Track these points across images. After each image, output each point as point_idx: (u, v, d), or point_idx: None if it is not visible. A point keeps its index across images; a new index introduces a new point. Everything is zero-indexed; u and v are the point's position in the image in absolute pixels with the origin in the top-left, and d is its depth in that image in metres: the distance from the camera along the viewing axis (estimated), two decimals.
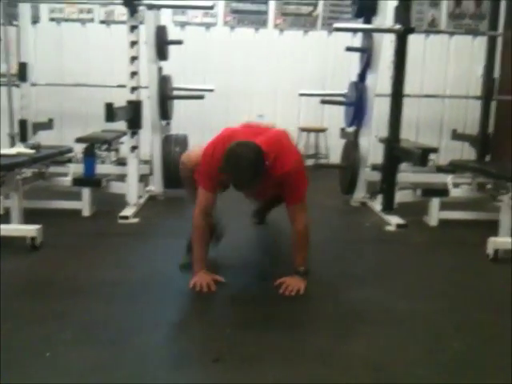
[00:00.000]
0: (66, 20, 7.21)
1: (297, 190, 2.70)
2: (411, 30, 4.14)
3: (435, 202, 4.20)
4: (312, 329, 2.33)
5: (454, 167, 4.70)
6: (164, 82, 4.91)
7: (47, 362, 1.95)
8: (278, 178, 2.61)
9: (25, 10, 4.86)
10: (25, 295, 2.60)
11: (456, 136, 6.15)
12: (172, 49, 5.15)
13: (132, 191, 4.37)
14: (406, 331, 2.32)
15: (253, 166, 2.45)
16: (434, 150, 5.07)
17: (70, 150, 4.53)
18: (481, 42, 6.04)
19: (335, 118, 6.17)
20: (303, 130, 7.11)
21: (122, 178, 4.63)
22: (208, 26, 7.31)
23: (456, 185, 4.57)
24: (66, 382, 1.83)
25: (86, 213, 4.20)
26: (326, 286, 2.83)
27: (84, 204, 4.20)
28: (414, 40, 4.54)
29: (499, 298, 2.68)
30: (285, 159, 2.62)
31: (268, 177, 2.54)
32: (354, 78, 5.09)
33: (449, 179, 4.43)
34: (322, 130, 7.12)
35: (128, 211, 4.15)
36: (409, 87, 4.56)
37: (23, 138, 4.67)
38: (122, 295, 2.63)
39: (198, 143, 5.32)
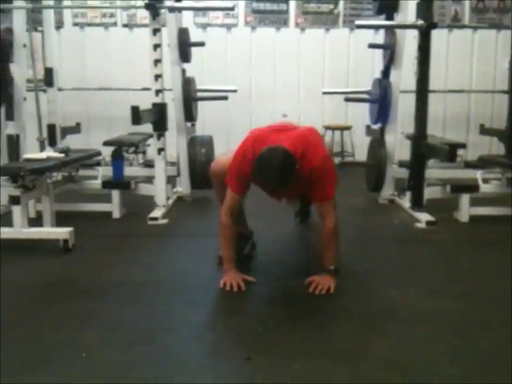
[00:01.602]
0: (89, 24, 7.29)
1: (324, 186, 2.68)
2: (434, 26, 4.11)
3: (465, 198, 4.15)
4: (340, 327, 2.32)
5: (482, 162, 4.65)
6: (187, 83, 4.94)
7: (76, 363, 1.97)
8: (306, 174, 2.59)
9: (49, 15, 4.93)
10: (55, 296, 2.63)
11: (484, 131, 6.06)
12: (194, 50, 5.18)
13: (160, 193, 4.40)
14: (432, 330, 2.29)
15: (283, 171, 2.46)
16: (462, 146, 5.02)
17: (98, 153, 4.59)
18: (505, 36, 5.96)
19: (360, 115, 6.13)
20: (328, 128, 7.08)
21: (149, 179, 4.68)
22: (229, 26, 7.33)
23: (486, 180, 4.51)
24: (94, 381, 1.85)
25: (116, 215, 4.25)
26: (355, 285, 2.82)
27: (114, 206, 4.25)
28: (437, 35, 4.51)
29: None
30: (311, 155, 2.62)
31: (297, 175, 2.54)
32: (378, 74, 5.07)
33: (478, 175, 4.37)
34: (347, 128, 7.09)
35: (157, 212, 4.19)
36: (434, 83, 4.52)
37: (52, 143, 4.73)
38: (152, 295, 2.65)
39: (223, 148, 5.39)
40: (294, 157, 2.52)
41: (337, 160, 6.45)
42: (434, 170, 4.92)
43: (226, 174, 2.76)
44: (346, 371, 1.93)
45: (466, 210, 4.15)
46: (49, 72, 4.95)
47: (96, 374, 1.89)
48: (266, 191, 2.60)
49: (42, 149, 4.67)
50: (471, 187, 4.28)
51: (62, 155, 3.90)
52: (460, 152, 4.90)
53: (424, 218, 4.06)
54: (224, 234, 2.77)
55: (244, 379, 1.92)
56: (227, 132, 7.22)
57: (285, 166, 2.47)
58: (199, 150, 4.87)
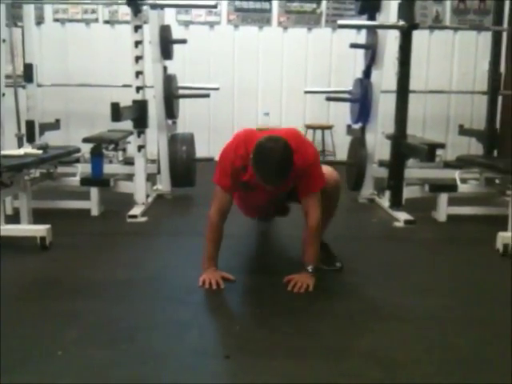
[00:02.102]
0: (70, 20, 7.25)
1: (315, 180, 2.68)
2: (415, 26, 4.14)
3: (443, 198, 4.19)
4: (321, 325, 2.32)
5: (461, 162, 4.69)
6: (169, 81, 4.92)
7: (57, 361, 1.95)
8: (299, 170, 2.56)
9: (29, 10, 4.86)
10: (34, 295, 2.60)
11: (463, 131, 6.14)
12: (176, 48, 5.16)
13: (140, 190, 4.38)
14: (414, 327, 2.31)
15: (285, 162, 2.45)
16: (441, 146, 5.07)
17: (77, 150, 4.54)
18: (485, 37, 6.02)
19: (341, 114, 6.17)
20: (309, 127, 7.11)
21: (129, 177, 4.65)
22: (212, 24, 7.33)
23: (464, 180, 4.56)
24: (76, 381, 1.84)
25: (95, 212, 4.21)
26: (335, 283, 2.83)
27: (92, 204, 4.21)
28: (418, 36, 4.55)
29: (508, 294, 2.66)
30: (306, 151, 2.62)
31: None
32: (359, 74, 5.09)
33: (456, 174, 4.41)
34: (328, 127, 7.12)
35: (136, 210, 4.16)
36: (414, 83, 4.56)
37: (30, 139, 4.67)
38: (132, 294, 2.63)
39: (204, 146, 5.32)
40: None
41: None
42: (414, 170, 4.96)
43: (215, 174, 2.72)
44: (328, 369, 1.94)
45: (443, 209, 4.19)
46: (28, 68, 4.89)
47: (76, 373, 1.88)
48: (265, 183, 2.56)
49: (20, 145, 4.61)
50: (449, 187, 4.32)
51: (41, 152, 3.86)
52: (439, 152, 4.95)
53: (403, 217, 4.09)
54: (211, 234, 2.74)
55: (225, 378, 1.92)
56: (209, 130, 7.23)
57: (287, 155, 2.45)
58: (180, 148, 4.85)
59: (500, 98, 5.60)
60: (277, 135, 2.57)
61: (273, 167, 2.44)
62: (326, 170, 2.82)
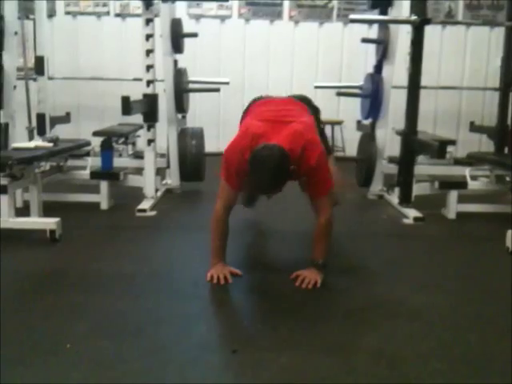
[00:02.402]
0: (82, 13, 7.26)
1: (321, 182, 2.67)
2: (428, 21, 4.11)
3: (453, 195, 4.17)
4: (328, 321, 2.32)
5: (472, 159, 4.66)
6: (179, 75, 4.91)
7: (66, 354, 1.97)
8: (303, 172, 2.59)
9: (41, 3, 4.86)
10: (43, 288, 2.62)
11: (474, 128, 6.09)
12: (187, 42, 5.15)
13: (149, 184, 4.39)
14: (421, 324, 2.31)
15: (277, 172, 2.44)
16: (452, 143, 5.03)
17: (87, 144, 4.56)
18: (498, 33, 5.97)
19: (351, 110, 6.14)
20: None
21: (139, 171, 4.66)
22: (223, 18, 7.31)
23: (474, 177, 4.53)
24: (84, 374, 1.85)
25: (104, 206, 4.23)
26: (342, 280, 2.83)
27: (102, 197, 4.23)
28: (430, 31, 4.52)
29: None
30: (310, 153, 2.59)
31: (294, 174, 2.53)
32: (370, 69, 5.06)
33: (467, 172, 4.38)
34: (338, 123, 7.10)
35: (145, 204, 4.18)
36: (426, 79, 4.52)
37: (41, 132, 4.69)
38: (140, 287, 2.65)
39: (214, 141, 5.32)
40: (291, 157, 2.48)
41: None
42: (424, 167, 4.94)
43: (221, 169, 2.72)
44: (335, 364, 1.94)
45: (453, 206, 4.17)
46: (39, 60, 4.90)
47: (85, 366, 1.89)
48: (257, 190, 2.58)
49: (31, 138, 4.64)
50: (459, 184, 4.29)
51: (51, 145, 3.88)
52: (450, 149, 4.92)
53: (412, 214, 4.07)
54: (218, 228, 2.74)
55: (232, 372, 1.93)
56: (218, 124, 7.22)
57: (279, 168, 2.44)
58: (190, 142, 4.85)
59: None
60: (274, 144, 2.49)
61: (264, 177, 2.45)
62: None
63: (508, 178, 4.33)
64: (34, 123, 4.81)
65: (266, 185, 2.50)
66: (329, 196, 2.72)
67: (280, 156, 2.45)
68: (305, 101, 3.10)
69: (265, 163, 2.43)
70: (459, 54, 7.30)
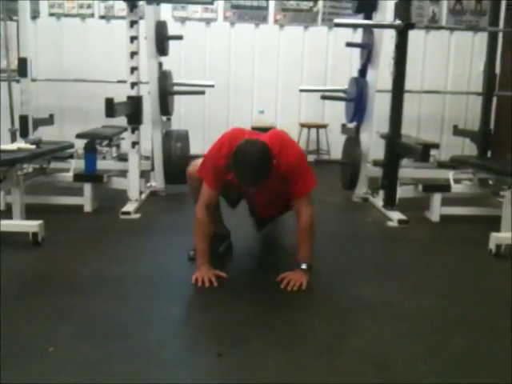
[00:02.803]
0: (66, 15, 7.21)
1: (301, 183, 2.71)
2: (411, 26, 4.14)
3: (437, 198, 4.20)
4: (314, 324, 2.33)
5: (455, 163, 4.70)
6: (164, 77, 4.90)
7: (50, 358, 1.94)
8: (283, 172, 2.62)
9: (24, 5, 4.82)
10: (26, 291, 2.59)
11: (457, 132, 6.15)
12: (172, 44, 5.14)
13: (133, 187, 4.36)
14: (407, 327, 2.31)
15: (260, 162, 2.48)
16: (436, 146, 5.07)
17: (71, 146, 4.52)
18: (481, 38, 6.04)
19: (336, 113, 6.17)
20: (304, 125, 7.11)
21: (123, 173, 4.63)
22: (208, 21, 7.30)
23: (457, 180, 4.57)
24: (68, 378, 1.83)
25: (88, 208, 4.20)
26: (329, 282, 2.84)
27: (85, 200, 4.20)
28: (414, 36, 4.55)
29: (500, 294, 2.68)
30: (288, 153, 2.65)
31: (274, 174, 2.55)
32: (355, 73, 5.09)
33: (450, 175, 4.42)
34: (323, 126, 7.12)
35: (130, 207, 4.15)
36: (409, 83, 4.56)
37: (24, 134, 4.64)
38: (125, 291, 2.62)
39: (199, 144, 5.31)
40: (272, 152, 2.53)
41: (312, 158, 6.47)
42: (408, 170, 4.97)
43: (200, 167, 2.78)
44: (321, 366, 1.94)
45: (437, 209, 4.20)
46: (23, 62, 4.86)
47: (69, 369, 1.87)
48: (243, 184, 2.60)
49: (14, 140, 4.59)
50: (443, 187, 4.33)
51: (34, 147, 3.85)
52: (433, 152, 4.95)
53: (396, 216, 4.10)
54: (199, 230, 2.76)
55: (217, 375, 1.92)
56: (204, 127, 7.21)
57: (263, 159, 2.49)
58: (174, 145, 4.83)
59: (495, 99, 5.62)
60: (256, 139, 2.61)
61: (248, 169, 2.48)
62: None
63: (491, 182, 4.38)
64: (17, 125, 4.76)
65: (250, 176, 2.51)
66: (309, 196, 2.75)
67: (262, 149, 2.51)
68: None
69: (248, 155, 2.47)
70: (443, 59, 7.37)
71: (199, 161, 2.91)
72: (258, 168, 2.48)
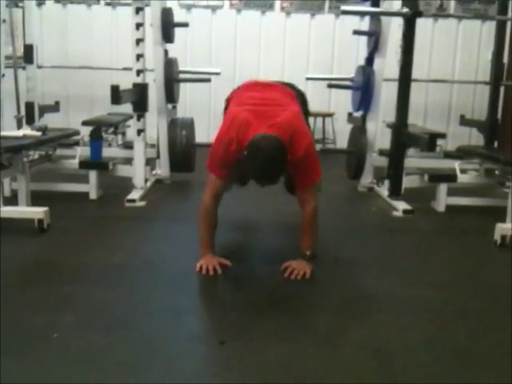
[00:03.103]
0: (72, 2, 7.17)
1: (308, 173, 2.68)
2: (419, 14, 4.10)
3: (443, 188, 4.18)
4: (316, 314, 2.33)
5: (461, 153, 4.68)
6: (170, 64, 4.88)
7: (53, 345, 1.96)
8: (291, 162, 2.56)
9: None
10: (31, 278, 2.60)
11: (464, 122, 6.11)
12: (178, 31, 5.11)
13: (139, 174, 4.36)
14: (409, 318, 2.32)
15: (277, 163, 2.44)
16: (442, 136, 5.04)
17: (76, 133, 4.52)
18: (490, 27, 5.98)
19: (342, 102, 6.15)
20: (310, 114, 7.07)
21: (128, 161, 4.63)
22: (214, 8, 7.25)
23: (464, 171, 4.55)
24: (72, 365, 1.84)
25: (93, 196, 4.20)
26: (332, 272, 2.83)
27: (91, 187, 4.20)
28: (422, 24, 4.52)
29: (504, 286, 2.67)
30: (297, 145, 2.57)
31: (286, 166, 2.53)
32: (362, 61, 5.05)
33: (456, 165, 4.40)
34: (329, 115, 7.09)
35: (135, 194, 4.15)
36: (417, 72, 4.53)
37: (30, 121, 4.65)
38: (129, 279, 2.63)
39: (204, 132, 5.28)
40: (285, 148, 2.48)
41: (318, 147, 6.43)
42: (414, 159, 4.95)
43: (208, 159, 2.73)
44: (322, 356, 1.94)
45: (443, 199, 4.18)
46: (28, 49, 4.85)
47: (73, 358, 1.88)
48: (255, 181, 2.58)
49: (20, 127, 4.60)
50: (449, 177, 4.31)
51: (40, 134, 3.84)
52: (440, 142, 4.92)
53: (401, 206, 4.09)
54: (205, 218, 2.74)
55: (219, 364, 1.92)
56: (209, 115, 7.19)
57: (278, 158, 2.44)
58: (180, 133, 4.82)
59: (502, 89, 5.58)
60: (271, 135, 2.47)
61: (263, 169, 2.45)
62: None
63: (497, 172, 4.35)
64: (23, 112, 4.76)
65: (265, 175, 2.49)
66: (315, 186, 2.73)
67: (278, 147, 2.44)
68: (290, 86, 3.08)
69: (264, 154, 2.41)
70: (450, 48, 7.31)
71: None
72: (272, 168, 2.45)
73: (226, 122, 2.73)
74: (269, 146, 2.43)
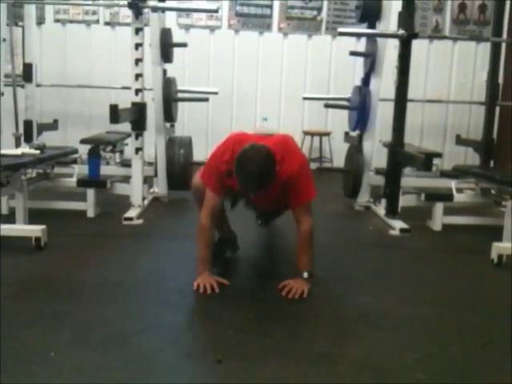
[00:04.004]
0: (71, 21, 7.25)
1: (302, 191, 2.70)
2: (415, 36, 4.16)
3: (439, 207, 4.20)
4: (313, 331, 2.33)
5: (457, 172, 4.70)
6: (168, 84, 4.92)
7: (50, 363, 1.95)
8: (285, 179, 2.61)
9: (30, 10, 4.89)
10: (27, 295, 2.59)
11: (460, 141, 6.16)
12: (176, 51, 5.17)
13: (136, 193, 4.37)
14: (406, 336, 2.31)
15: (263, 170, 2.47)
16: (438, 155, 5.08)
17: (74, 151, 4.54)
18: (484, 48, 6.05)
19: (339, 121, 6.20)
20: (307, 133, 7.12)
21: (126, 179, 4.64)
22: (212, 28, 7.34)
23: (460, 190, 4.57)
24: (66, 382, 1.83)
25: (91, 214, 4.21)
26: (329, 290, 2.84)
27: (88, 205, 4.21)
28: (417, 45, 4.57)
29: (500, 304, 2.68)
30: (291, 161, 2.64)
31: (275, 180, 2.55)
32: (358, 82, 5.10)
33: (453, 184, 4.42)
34: (326, 134, 7.13)
35: (132, 213, 4.16)
36: (413, 92, 4.57)
37: (28, 139, 4.68)
38: (125, 296, 2.63)
39: (202, 150, 5.33)
40: (275, 159, 2.53)
41: (315, 165, 6.48)
42: (410, 179, 4.97)
43: (203, 173, 2.79)
44: (319, 375, 1.94)
45: (439, 218, 4.20)
46: (28, 67, 4.90)
47: (68, 375, 1.87)
48: (244, 190, 2.60)
49: (18, 145, 4.62)
50: (445, 196, 4.33)
51: (38, 152, 3.86)
52: (436, 161, 4.95)
53: (398, 225, 4.10)
54: (203, 236, 2.75)
55: (217, 382, 1.92)
56: (207, 134, 7.23)
57: (267, 166, 2.47)
58: (178, 151, 4.85)
59: (497, 109, 5.63)
60: (261, 144, 2.58)
61: (251, 176, 2.47)
62: None
63: (493, 191, 4.38)
64: (21, 130, 4.79)
65: (252, 183, 2.51)
66: (309, 205, 2.75)
67: (266, 156, 2.49)
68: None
69: (251, 162, 2.45)
70: (446, 68, 7.38)
71: (201, 171, 2.91)
72: (260, 175, 2.47)
73: (224, 140, 2.79)
74: (256, 154, 2.48)
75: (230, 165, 2.59)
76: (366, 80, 4.89)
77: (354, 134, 5.09)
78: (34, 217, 3.61)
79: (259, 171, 2.46)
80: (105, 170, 4.82)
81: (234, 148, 2.63)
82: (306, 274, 2.72)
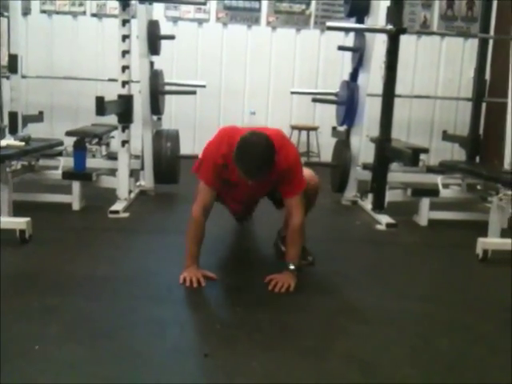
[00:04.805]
0: (58, 12, 7.17)
1: (296, 182, 2.72)
2: (403, 31, 4.16)
3: (425, 202, 4.22)
4: (302, 326, 2.33)
5: (444, 168, 4.73)
6: (155, 76, 4.89)
7: (35, 357, 1.93)
8: (280, 170, 2.61)
9: (16, 1, 4.81)
10: (12, 289, 2.55)
11: (446, 137, 6.19)
12: (164, 44, 5.13)
13: (122, 186, 4.34)
14: (394, 331, 2.32)
15: (268, 152, 2.49)
16: (425, 151, 5.09)
17: (60, 143, 4.49)
18: (472, 44, 6.08)
19: (327, 116, 6.19)
20: (295, 128, 7.12)
21: (112, 172, 4.60)
22: (200, 21, 7.30)
23: (446, 185, 4.59)
24: (54, 378, 1.81)
25: (76, 207, 4.17)
26: (316, 284, 2.84)
27: (74, 198, 4.17)
28: (405, 41, 4.58)
29: (486, 299, 2.71)
30: (287, 152, 2.67)
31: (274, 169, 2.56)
32: (346, 76, 5.10)
33: (439, 180, 4.45)
34: (314, 129, 7.14)
35: (118, 206, 4.13)
36: (400, 87, 4.58)
37: (13, 131, 4.61)
38: (111, 291, 2.61)
39: (189, 144, 5.28)
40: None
41: (302, 160, 6.46)
42: (397, 174, 4.99)
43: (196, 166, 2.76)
44: (308, 368, 1.94)
45: (425, 213, 4.22)
46: (13, 58, 4.83)
47: (56, 370, 1.86)
48: (247, 175, 2.54)
49: (2, 137, 4.56)
50: (431, 192, 4.35)
51: (23, 144, 3.81)
52: (422, 157, 4.97)
53: (384, 220, 4.11)
54: (194, 230, 2.72)
55: (205, 376, 1.92)
56: (194, 127, 7.21)
57: (269, 150, 2.49)
58: (164, 144, 4.82)
59: (484, 105, 5.67)
60: (260, 131, 2.61)
61: (254, 160, 2.47)
62: (307, 172, 2.90)
63: (479, 187, 4.41)
64: (6, 121, 4.73)
65: (255, 168, 2.49)
66: (302, 196, 2.74)
67: (267, 141, 2.51)
68: None
69: (255, 145, 2.48)
70: (433, 64, 7.42)
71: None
72: (264, 158, 2.48)
73: (215, 135, 2.77)
74: (258, 139, 2.51)
75: (227, 158, 2.58)
76: (354, 75, 4.90)
77: (342, 128, 5.09)
78: (18, 209, 3.58)
79: (264, 153, 2.47)
80: (91, 162, 4.78)
81: (229, 141, 2.61)
82: (291, 266, 2.71)
